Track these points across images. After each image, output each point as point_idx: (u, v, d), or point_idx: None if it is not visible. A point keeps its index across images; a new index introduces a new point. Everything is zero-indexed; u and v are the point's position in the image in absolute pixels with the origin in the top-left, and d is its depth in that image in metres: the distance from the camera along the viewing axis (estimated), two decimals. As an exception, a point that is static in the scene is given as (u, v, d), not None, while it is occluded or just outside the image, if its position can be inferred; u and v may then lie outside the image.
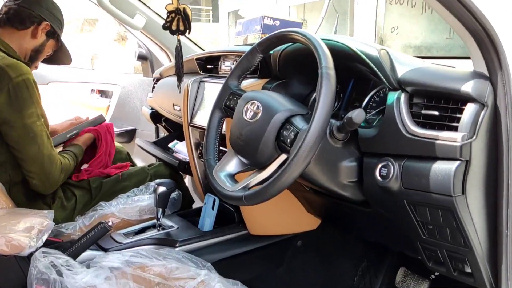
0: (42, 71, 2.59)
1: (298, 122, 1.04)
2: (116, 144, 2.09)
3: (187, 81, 1.74)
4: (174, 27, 1.44)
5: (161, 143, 2.16)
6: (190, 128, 1.70)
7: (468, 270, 1.07)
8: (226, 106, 1.27)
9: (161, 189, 1.53)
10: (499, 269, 1.03)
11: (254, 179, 1.10)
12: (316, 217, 1.59)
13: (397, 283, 1.50)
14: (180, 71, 1.51)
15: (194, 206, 1.96)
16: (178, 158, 1.89)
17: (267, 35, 1.18)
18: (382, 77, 1.07)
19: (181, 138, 2.15)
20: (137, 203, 1.64)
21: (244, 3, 12.26)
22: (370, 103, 1.24)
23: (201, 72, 1.75)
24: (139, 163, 2.27)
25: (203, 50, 2.30)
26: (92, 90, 2.80)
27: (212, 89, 1.65)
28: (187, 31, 1.46)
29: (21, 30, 1.59)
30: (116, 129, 2.60)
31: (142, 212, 1.63)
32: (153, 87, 2.26)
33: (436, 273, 1.44)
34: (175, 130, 2.22)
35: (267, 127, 1.07)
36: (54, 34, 1.64)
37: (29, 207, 1.46)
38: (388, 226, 1.23)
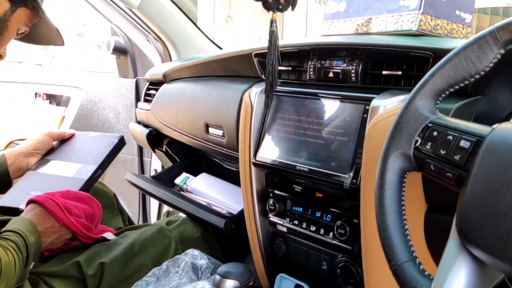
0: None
1: None
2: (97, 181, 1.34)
3: (241, 88, 1.08)
4: (272, -2, 0.77)
5: (164, 178, 1.45)
6: (252, 168, 1.04)
7: None
8: (418, 150, 0.64)
9: (230, 283, 0.86)
10: None
11: None
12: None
13: None
14: (274, 77, 0.84)
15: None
16: (220, 213, 1.21)
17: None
18: None
19: (193, 171, 1.47)
20: (172, 301, 0.94)
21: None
22: None
23: (263, 77, 1.09)
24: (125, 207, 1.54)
25: (221, 48, 1.63)
26: (36, 93, 1.97)
27: (294, 105, 0.99)
28: (291, 7, 0.80)
29: None
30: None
31: (184, 318, 0.94)
32: (147, 94, 1.54)
33: None
34: (182, 159, 1.52)
35: None
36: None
37: None
38: None
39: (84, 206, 1.00)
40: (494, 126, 0.60)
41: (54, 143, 1.28)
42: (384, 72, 0.87)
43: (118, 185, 1.64)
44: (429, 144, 0.63)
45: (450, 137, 0.62)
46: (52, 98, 1.98)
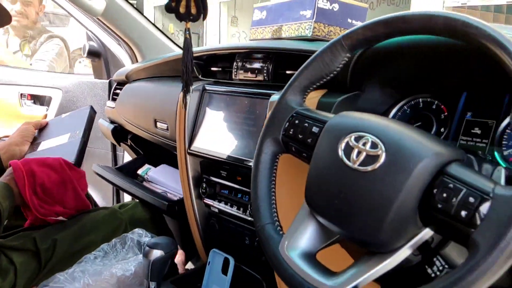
0: None
1: (468, 176, 0.58)
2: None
3: (180, 87, 1.23)
4: (182, 9, 0.92)
5: (128, 169, 1.61)
6: (188, 156, 1.19)
7: None
8: (287, 136, 0.79)
9: (157, 253, 1.01)
10: None
11: (371, 273, 0.63)
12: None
13: None
14: (189, 78, 0.99)
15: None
16: (164, 196, 1.36)
17: (368, 23, 0.71)
18: None
19: (154, 162, 1.62)
20: (113, 271, 1.09)
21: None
22: (508, 130, 0.81)
23: (200, 77, 1.24)
24: (97, 198, 1.70)
25: (180, 47, 1.78)
26: (21, 94, 2.15)
27: (222, 102, 1.14)
28: (202, 16, 0.95)
29: None
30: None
31: (123, 285, 1.09)
32: (114, 94, 1.70)
33: None
34: (145, 151, 1.68)
35: (405, 182, 0.60)
36: None
37: None
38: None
39: (54, 175, 1.16)
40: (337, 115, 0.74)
41: (36, 132, 1.47)
42: (287, 72, 1.02)
43: (94, 178, 1.80)
44: (292, 130, 0.78)
45: (306, 124, 0.77)
46: (36, 98, 2.15)
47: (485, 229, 0.52)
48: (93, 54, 1.94)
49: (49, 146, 1.37)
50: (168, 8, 0.92)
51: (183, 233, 1.42)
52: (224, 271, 1.14)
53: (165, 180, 1.53)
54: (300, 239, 0.71)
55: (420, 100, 0.93)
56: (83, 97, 2.02)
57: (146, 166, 1.61)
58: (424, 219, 0.60)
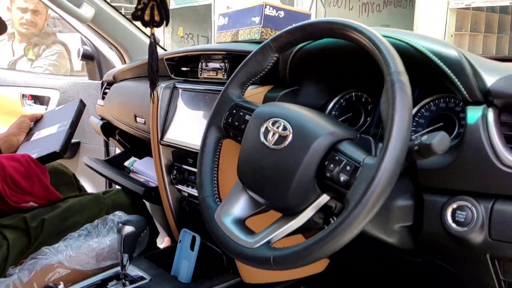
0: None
1: (351, 151, 0.73)
2: (58, 163, 1.67)
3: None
4: (147, 17, 1.08)
5: (116, 162, 1.77)
6: (160, 146, 1.34)
7: None
8: (227, 123, 0.93)
9: (128, 229, 1.17)
10: None
11: (281, 231, 0.78)
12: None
13: None
14: (155, 76, 1.14)
15: (160, 238, 1.59)
16: (142, 183, 1.52)
17: (294, 26, 0.86)
18: (461, 87, 0.77)
19: (139, 155, 1.78)
20: (92, 245, 1.25)
21: (183, 2, 11.78)
22: (416, 118, 0.95)
23: (173, 76, 1.39)
24: (87, 186, 1.86)
25: (165, 50, 1.93)
26: (23, 95, 2.32)
27: (189, 98, 1.30)
28: (165, 22, 1.10)
29: None
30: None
31: (100, 257, 1.24)
32: (104, 93, 1.86)
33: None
34: (132, 145, 1.84)
35: (303, 157, 0.74)
36: None
37: None
38: (443, 282, 0.94)
39: (21, 168, 1.32)
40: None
41: (31, 124, 1.64)
42: (241, 71, 1.17)
43: (88, 171, 1.96)
44: (231, 118, 0.93)
45: (242, 113, 0.92)
46: (36, 98, 2.33)
47: (354, 190, 0.67)
48: (87, 57, 2.10)
49: (41, 136, 1.54)
50: (135, 17, 1.08)
51: (163, 217, 1.57)
52: (192, 247, 1.29)
53: (148, 171, 1.68)
54: (232, 208, 0.86)
55: (353, 94, 1.08)
56: (78, 96, 2.18)
57: (132, 158, 1.77)
58: (321, 186, 0.75)
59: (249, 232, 0.82)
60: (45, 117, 1.64)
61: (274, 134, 0.79)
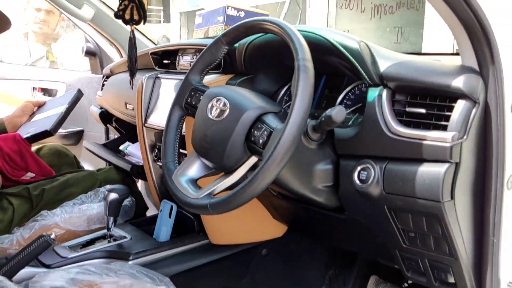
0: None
1: (271, 120, 0.93)
2: (61, 146, 1.92)
3: (141, 77, 1.59)
4: (127, 16, 1.29)
5: (112, 146, 1.99)
6: (144, 129, 1.56)
7: (451, 280, 0.99)
8: (187, 103, 1.14)
9: (112, 195, 1.38)
10: (484, 278, 0.96)
11: (220, 185, 0.98)
12: (282, 223, 1.48)
13: (369, 293, 1.42)
14: (133, 66, 1.36)
15: (149, 213, 1.80)
16: (130, 162, 1.74)
17: (235, 25, 1.06)
18: (363, 72, 0.97)
19: (133, 140, 1.99)
20: (84, 211, 1.47)
21: (198, 5, 12.08)
22: (345, 101, 1.15)
23: (156, 68, 1.61)
24: (88, 167, 2.09)
25: (156, 45, 2.15)
26: (33, 88, 2.57)
27: (169, 86, 1.51)
28: (142, 21, 1.32)
29: None
30: (62, 131, 2.39)
31: (91, 221, 1.46)
32: (103, 85, 2.08)
33: (409, 281, 1.37)
34: (127, 131, 2.05)
35: (235, 126, 0.95)
36: None
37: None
38: (364, 234, 1.14)
39: (15, 146, 1.55)
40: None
41: (35, 108, 1.88)
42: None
43: (89, 155, 2.19)
44: (190, 99, 1.14)
45: (197, 94, 1.12)
46: (45, 91, 2.57)
47: (267, 148, 0.88)
48: (89, 53, 2.34)
49: (38, 118, 1.78)
50: (116, 16, 1.29)
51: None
52: (170, 215, 1.50)
53: (139, 153, 1.90)
54: (187, 171, 1.07)
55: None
56: (82, 89, 2.41)
57: (127, 143, 1.99)
58: (250, 150, 0.95)
59: (198, 188, 1.02)
60: (47, 103, 1.88)
61: (216, 109, 1.00)
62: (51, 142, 1.99)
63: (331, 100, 1.19)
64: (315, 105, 1.22)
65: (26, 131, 1.75)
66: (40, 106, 1.89)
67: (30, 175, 1.58)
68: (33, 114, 1.86)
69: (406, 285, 1.37)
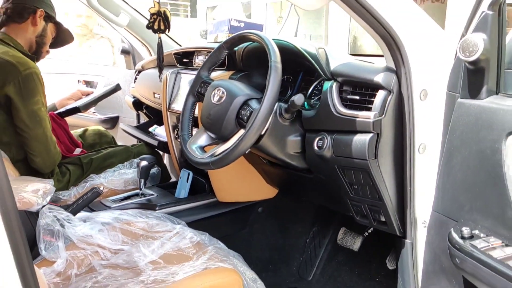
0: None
1: (253, 103, 1.34)
2: (102, 128, 2.37)
3: (166, 72, 2.02)
4: (156, 27, 1.72)
5: (143, 128, 2.44)
6: (168, 113, 1.99)
7: (383, 219, 1.38)
8: (198, 92, 1.56)
9: (143, 163, 1.82)
10: (405, 217, 1.35)
11: (219, 149, 1.40)
12: (274, 187, 1.90)
13: (338, 240, 1.82)
14: (161, 64, 1.79)
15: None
16: (157, 139, 2.18)
17: (232, 35, 1.47)
18: (319, 70, 1.37)
19: (160, 123, 2.43)
20: (122, 176, 1.92)
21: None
22: (314, 91, 1.55)
23: (178, 65, 2.04)
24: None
25: (181, 46, 2.58)
26: (78, 80, 3.04)
27: (187, 79, 1.93)
28: (167, 30, 1.74)
29: (22, 23, 1.84)
30: (101, 116, 2.87)
31: (127, 183, 1.91)
32: (135, 78, 2.53)
33: (369, 231, 1.77)
34: (155, 116, 2.50)
35: (229, 107, 1.36)
36: (50, 17, 1.90)
37: (30, 179, 1.73)
38: (326, 189, 1.54)
39: (54, 124, 2.01)
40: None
41: (83, 96, 2.36)
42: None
43: (124, 136, 2.64)
44: (200, 89, 1.55)
45: (206, 86, 1.54)
46: (87, 83, 3.04)
47: (248, 122, 1.29)
48: (125, 52, 2.79)
49: (80, 103, 2.26)
50: (148, 27, 1.72)
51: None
52: (188, 180, 1.93)
53: (165, 134, 2.34)
54: (197, 140, 1.49)
55: (285, 77, 1.68)
56: (117, 81, 2.88)
57: (155, 126, 2.43)
58: (239, 124, 1.36)
59: (204, 152, 1.44)
60: (93, 93, 2.35)
61: (217, 96, 1.42)
62: (93, 126, 2.46)
63: (306, 90, 1.59)
64: (294, 93, 1.63)
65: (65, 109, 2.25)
66: (87, 95, 2.35)
67: (78, 150, 2.05)
68: (79, 99, 2.33)
69: (366, 234, 1.77)
